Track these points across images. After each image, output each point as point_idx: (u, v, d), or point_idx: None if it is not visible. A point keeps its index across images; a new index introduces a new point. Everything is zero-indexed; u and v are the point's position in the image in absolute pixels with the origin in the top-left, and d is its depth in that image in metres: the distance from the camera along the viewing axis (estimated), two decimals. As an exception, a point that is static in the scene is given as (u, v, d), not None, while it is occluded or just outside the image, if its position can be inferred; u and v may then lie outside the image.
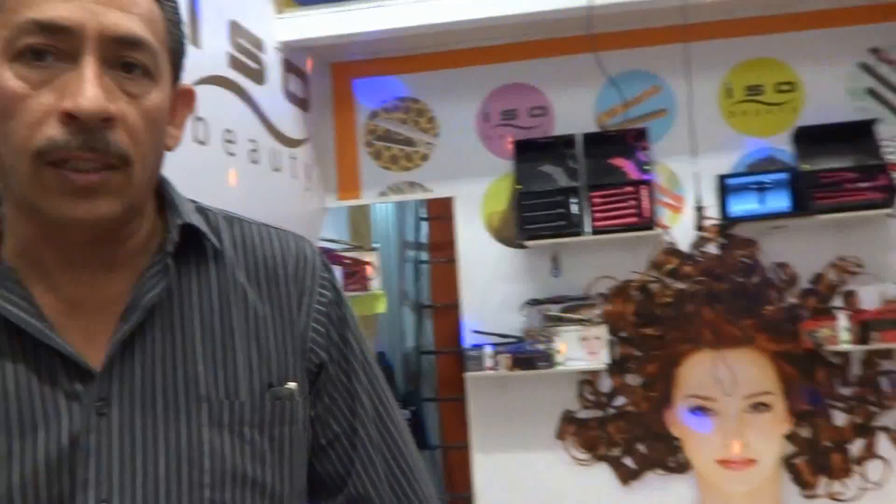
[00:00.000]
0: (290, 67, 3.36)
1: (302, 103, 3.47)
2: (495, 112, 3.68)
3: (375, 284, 3.49)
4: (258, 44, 3.02)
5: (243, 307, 0.84)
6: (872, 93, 3.45)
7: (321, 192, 3.68)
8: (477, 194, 3.66)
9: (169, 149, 0.82)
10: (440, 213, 4.64)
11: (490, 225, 3.65)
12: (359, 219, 4.26)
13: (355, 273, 3.78)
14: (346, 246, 3.60)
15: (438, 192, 3.73)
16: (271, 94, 3.12)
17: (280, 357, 0.84)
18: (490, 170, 3.65)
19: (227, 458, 0.78)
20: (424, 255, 4.82)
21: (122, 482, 0.75)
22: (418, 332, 4.67)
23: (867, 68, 3.46)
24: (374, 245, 3.94)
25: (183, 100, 0.85)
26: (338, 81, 3.79)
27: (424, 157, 3.72)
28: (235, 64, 2.80)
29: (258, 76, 3.00)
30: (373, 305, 3.53)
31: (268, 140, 3.06)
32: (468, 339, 3.60)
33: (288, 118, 3.29)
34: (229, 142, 2.69)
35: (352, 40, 3.38)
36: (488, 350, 3.46)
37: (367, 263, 3.46)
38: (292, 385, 0.84)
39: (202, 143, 2.49)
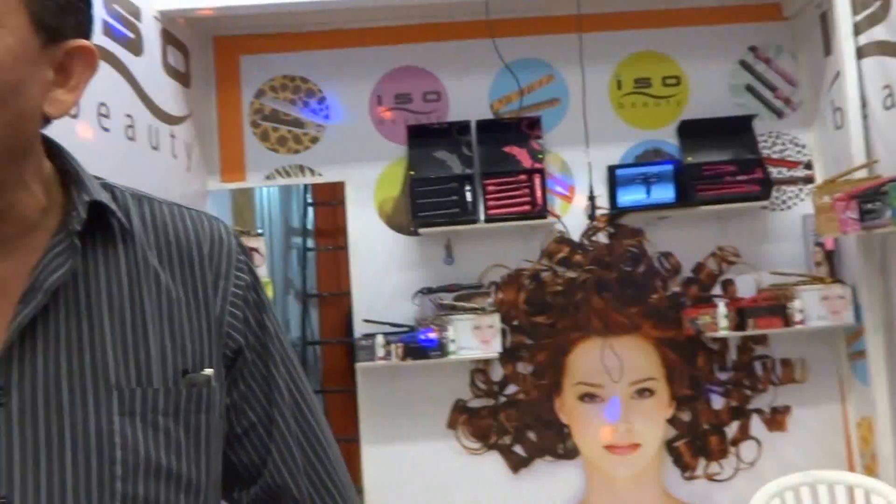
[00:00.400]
0: (170, 39, 3.17)
1: (183, 78, 3.29)
2: (388, 95, 3.62)
3: (262, 272, 3.36)
4: (135, 12, 2.83)
5: (155, 290, 0.80)
6: (751, 89, 3.63)
7: (203, 174, 3.51)
8: (369, 180, 3.59)
9: (50, 115, 0.75)
10: (328, 198, 4.55)
11: (382, 211, 3.60)
12: (243, 203, 4.10)
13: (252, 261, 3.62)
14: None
15: (329, 176, 3.64)
16: (149, 66, 2.94)
17: (195, 342, 0.81)
18: (383, 155, 3.59)
19: (140, 448, 0.75)
20: (311, 242, 4.71)
21: (23, 477, 0.70)
22: (304, 322, 4.55)
23: (746, 66, 3.63)
24: (259, 231, 3.81)
25: (78, 59, 0.76)
26: (222, 57, 3.62)
27: (314, 140, 3.61)
28: (109, 32, 2.61)
29: (135, 46, 2.82)
30: (260, 294, 3.40)
31: (145, 115, 2.88)
32: (358, 329, 3.54)
33: (167, 93, 3.11)
34: (103, 115, 2.51)
35: (236, 13, 3.24)
36: (380, 340, 3.41)
37: (254, 250, 3.32)
38: (208, 371, 0.82)
39: (73, 116, 2.31)
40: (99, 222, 0.78)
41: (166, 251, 0.83)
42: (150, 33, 2.97)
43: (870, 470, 3.40)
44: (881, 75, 3.10)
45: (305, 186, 4.48)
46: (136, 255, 0.81)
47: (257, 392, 0.88)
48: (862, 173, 3.19)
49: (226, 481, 0.88)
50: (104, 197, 0.79)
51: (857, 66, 3.22)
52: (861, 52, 3.21)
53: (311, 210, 4.63)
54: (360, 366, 3.46)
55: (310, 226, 4.66)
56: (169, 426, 0.77)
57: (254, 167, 3.60)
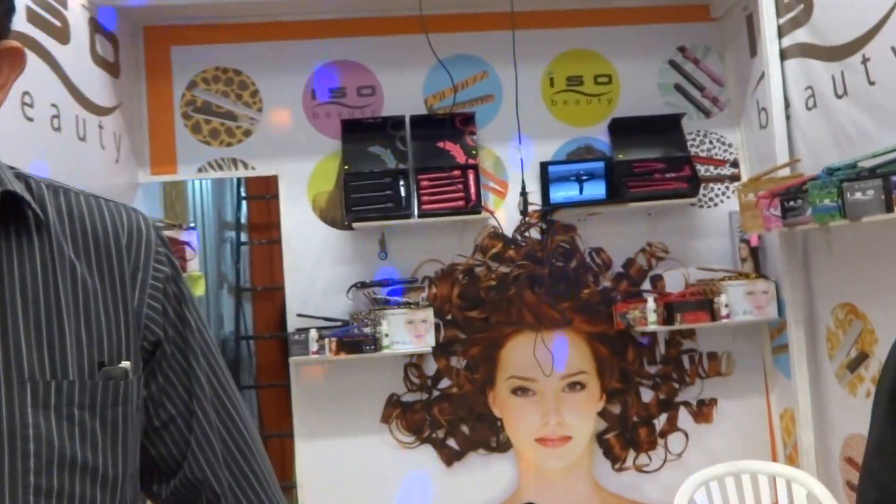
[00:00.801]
0: (98, 28, 3.14)
1: (112, 68, 3.26)
2: (322, 89, 3.63)
3: (194, 265, 3.35)
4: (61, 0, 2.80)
5: (71, 282, 0.80)
6: (679, 89, 3.75)
7: (132, 166, 3.48)
8: (303, 173, 3.60)
9: None
10: (262, 192, 4.54)
11: (316, 205, 3.61)
12: (175, 196, 4.07)
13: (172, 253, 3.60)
14: (161, 224, 3.43)
15: (262, 169, 3.63)
16: (76, 55, 2.90)
17: (112, 335, 0.81)
18: (317, 149, 3.61)
19: (55, 441, 0.74)
20: (245, 237, 4.69)
21: None
22: (237, 317, 4.54)
23: (675, 65, 3.75)
24: (191, 224, 3.78)
25: (6, 59, 0.78)
26: (152, 47, 3.59)
27: (247, 133, 3.61)
28: (34, 19, 2.58)
29: (61, 35, 2.78)
30: (191, 288, 3.37)
31: (72, 106, 2.84)
32: (292, 323, 3.55)
33: (95, 83, 3.08)
34: (27, 104, 2.48)
35: (167, 3, 3.22)
36: (313, 334, 3.43)
37: (185, 243, 3.31)
38: (126, 364, 0.81)
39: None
40: (13, 213, 0.78)
41: (83, 242, 0.83)
42: (78, 21, 2.94)
43: (791, 460, 3.55)
44: (803, 77, 3.22)
45: (239, 180, 4.47)
46: (51, 247, 0.80)
47: (177, 385, 0.88)
48: (785, 172, 3.32)
49: (144, 475, 0.88)
50: (18, 187, 0.79)
51: (781, 68, 3.34)
52: (784, 54, 3.33)
53: (244, 204, 4.61)
54: (293, 360, 3.47)
55: (243, 220, 4.64)
56: (84, 419, 0.77)
57: (185, 160, 3.58)
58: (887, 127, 2.76)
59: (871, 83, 2.84)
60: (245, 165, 3.60)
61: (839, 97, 3.03)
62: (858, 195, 2.65)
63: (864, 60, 2.87)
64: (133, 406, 0.82)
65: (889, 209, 2.53)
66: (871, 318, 3.00)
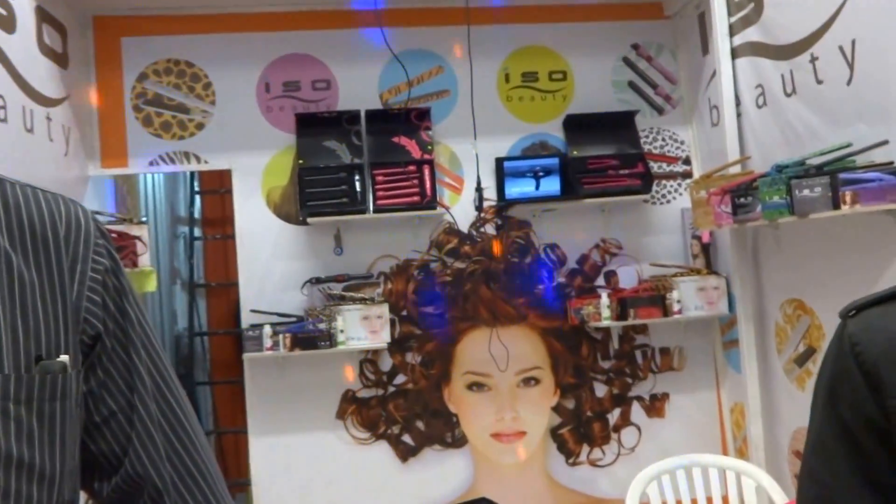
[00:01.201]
0: (46, 17, 3.11)
1: (60, 58, 3.22)
2: (276, 83, 3.64)
3: (145, 260, 3.33)
4: (7, -12, 2.77)
5: (6, 274, 0.78)
6: (633, 86, 3.82)
7: (82, 159, 3.44)
8: (257, 168, 3.60)
9: None
10: (215, 186, 4.52)
11: (270, 200, 3.62)
12: (127, 190, 4.04)
13: (123, 248, 3.56)
14: (112, 218, 3.40)
15: (215, 163, 3.63)
16: (23, 45, 2.87)
17: (50, 328, 0.80)
18: (271, 143, 3.61)
19: None
20: (198, 231, 4.67)
21: None
22: (191, 313, 4.52)
23: (629, 63, 3.82)
24: (143, 219, 3.76)
25: None
26: (102, 37, 3.55)
27: (200, 126, 3.60)
28: (-22, 8, 2.55)
29: (7, 24, 2.75)
30: (143, 283, 3.36)
31: (18, 96, 2.81)
32: (246, 319, 3.55)
33: (43, 73, 3.04)
34: (-29, 96, 2.45)
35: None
36: (267, 330, 3.44)
37: (137, 238, 3.29)
38: (64, 358, 0.80)
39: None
40: None
41: (19, 233, 0.81)
42: (24, 10, 2.91)
43: (741, 453, 3.64)
44: (754, 75, 3.29)
45: (192, 174, 4.45)
46: None
47: (117, 379, 0.86)
48: (736, 169, 3.40)
49: (85, 472, 0.86)
50: None
51: (732, 66, 3.42)
52: (736, 53, 3.40)
53: (198, 198, 4.59)
54: (247, 356, 3.47)
55: (197, 215, 4.62)
56: (21, 414, 0.75)
57: (136, 153, 3.56)
58: (834, 125, 2.83)
59: (819, 82, 2.90)
60: (198, 159, 3.59)
61: (788, 95, 3.11)
62: (806, 192, 2.70)
63: (813, 59, 2.93)
64: (72, 401, 0.81)
65: (836, 206, 2.58)
66: (818, 313, 3.08)
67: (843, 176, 2.55)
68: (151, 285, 3.39)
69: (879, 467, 0.81)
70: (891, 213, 2.52)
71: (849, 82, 2.73)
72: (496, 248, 3.68)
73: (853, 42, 2.69)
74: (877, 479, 0.82)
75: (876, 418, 0.81)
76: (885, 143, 2.53)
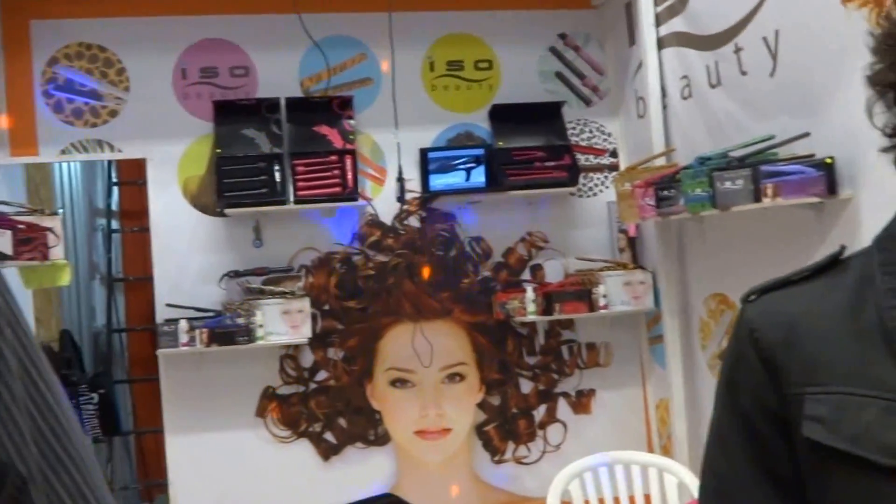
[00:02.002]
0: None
1: (-40, 41, 3.15)
2: (193, 69, 3.59)
3: (58, 253, 3.27)
4: None
5: None
6: (560, 76, 3.84)
7: (-13, 147, 3.38)
8: (173, 157, 3.55)
9: None
10: (133, 177, 4.44)
11: (187, 190, 3.57)
12: (41, 179, 3.96)
13: (32, 240, 3.49)
14: (21, 209, 3.33)
15: (129, 152, 3.57)
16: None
17: None
18: (187, 131, 3.56)
19: None
20: (116, 224, 4.60)
21: None
22: (109, 309, 4.45)
23: (556, 52, 3.84)
24: (59, 210, 3.69)
25: None
26: (9, 19, 3.46)
27: (113, 113, 3.54)
28: None
29: None
30: (55, 277, 3.30)
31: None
32: (161, 314, 3.50)
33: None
34: None
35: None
36: (183, 325, 3.39)
37: (48, 230, 3.23)
38: None
39: None
40: None
41: None
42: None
43: (666, 450, 3.67)
44: (680, 66, 3.31)
45: (110, 164, 4.38)
46: None
47: None
48: (661, 161, 3.44)
49: None
50: None
51: (658, 57, 3.45)
52: (662, 43, 3.42)
53: (115, 189, 4.52)
54: (162, 353, 3.43)
55: (115, 206, 4.55)
56: None
57: (47, 141, 3.49)
58: (758, 117, 2.84)
59: (743, 73, 2.92)
60: (111, 148, 3.54)
61: (713, 87, 3.13)
62: (728, 185, 2.71)
63: (737, 50, 2.95)
64: None
65: (757, 199, 2.58)
66: None
67: (764, 168, 2.57)
68: (65, 279, 3.33)
69: (777, 458, 0.79)
70: (811, 207, 2.54)
71: (772, 73, 2.75)
72: (420, 241, 3.67)
73: (776, 33, 2.71)
74: (774, 469, 0.80)
75: (773, 406, 0.79)
76: (807, 135, 2.55)
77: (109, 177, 4.51)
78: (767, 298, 0.83)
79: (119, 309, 4.48)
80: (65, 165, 4.24)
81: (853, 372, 0.75)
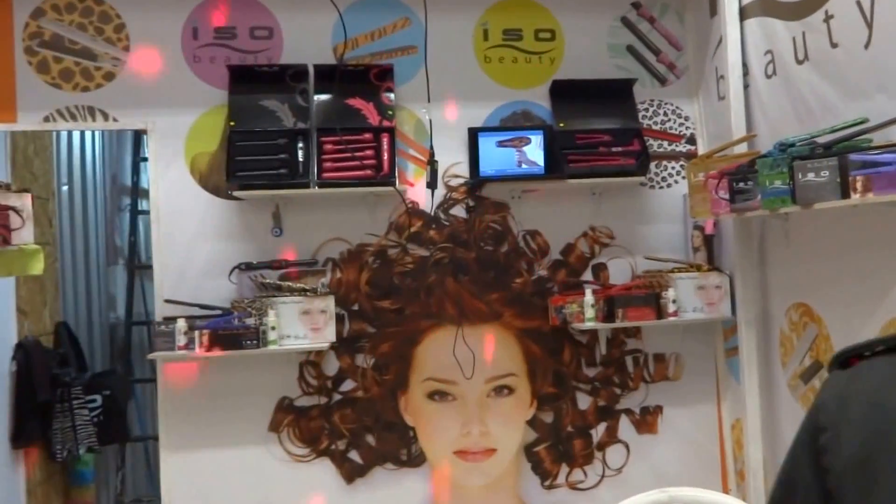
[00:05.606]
0: None
1: None
2: (206, 28, 2.32)
3: (25, 237, 2.04)
4: None
5: None
6: (632, 50, 2.52)
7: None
8: (179, 129, 2.29)
9: None
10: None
11: (195, 168, 2.31)
12: (34, 150, 2.70)
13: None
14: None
15: (127, 122, 2.31)
16: None
17: None
18: (197, 100, 2.30)
19: None
20: (145, 204, 3.31)
21: None
22: (129, 299, 3.17)
23: (628, 24, 2.52)
24: (63, 186, 2.43)
25: None
26: (-12, -37, 2.22)
27: (109, 76, 2.27)
28: None
29: None
30: (25, 265, 2.08)
31: None
32: (159, 311, 2.24)
33: None
34: None
35: None
36: (181, 325, 2.14)
37: (10, 209, 2.00)
38: None
39: None
40: None
41: None
42: None
43: (742, 476, 2.40)
44: (763, 39, 2.13)
45: (138, 137, 3.11)
46: None
47: None
48: (742, 148, 2.18)
49: None
50: None
51: (741, 28, 2.20)
52: (744, 13, 2.22)
53: (145, 166, 3.24)
54: (156, 357, 2.18)
55: (145, 185, 3.27)
56: None
57: (28, 105, 2.23)
58: (851, 97, 1.77)
59: (834, 45, 1.82)
60: (105, 116, 2.27)
61: (800, 62, 1.98)
62: (811, 176, 1.70)
63: (827, 18, 1.84)
64: None
65: (845, 194, 1.61)
66: (827, 322, 1.99)
67: (854, 157, 1.59)
68: (37, 267, 2.07)
69: None
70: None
71: (867, 45, 1.69)
72: (466, 234, 2.38)
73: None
74: None
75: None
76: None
77: (136, 151, 3.22)
78: (855, 369, 0.53)
79: (147, 299, 3.18)
80: (78, 135, 2.96)
81: None
